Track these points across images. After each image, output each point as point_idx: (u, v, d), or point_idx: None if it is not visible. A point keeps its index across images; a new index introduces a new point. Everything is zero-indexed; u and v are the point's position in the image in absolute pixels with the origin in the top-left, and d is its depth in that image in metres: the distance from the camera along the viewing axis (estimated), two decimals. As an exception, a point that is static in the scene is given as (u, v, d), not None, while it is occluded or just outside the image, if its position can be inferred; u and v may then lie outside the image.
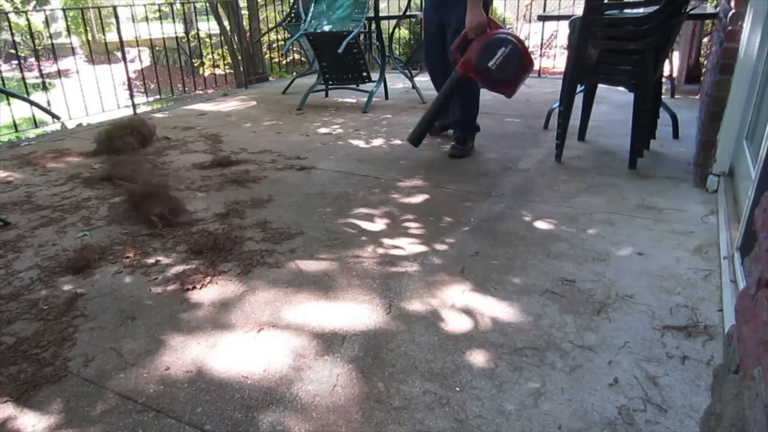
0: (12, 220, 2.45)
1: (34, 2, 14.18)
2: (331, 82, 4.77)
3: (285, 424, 1.28)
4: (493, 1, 3.46)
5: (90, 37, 11.43)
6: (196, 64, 8.74)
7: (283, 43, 7.15)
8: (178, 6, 6.35)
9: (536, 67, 6.67)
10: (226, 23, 8.44)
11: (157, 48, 9.07)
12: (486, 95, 5.04)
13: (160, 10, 6.26)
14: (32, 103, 3.27)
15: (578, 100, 3.26)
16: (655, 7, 2.67)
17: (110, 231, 2.33)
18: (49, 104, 4.18)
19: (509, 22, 8.66)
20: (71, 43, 7.06)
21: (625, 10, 3.53)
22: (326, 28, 4.45)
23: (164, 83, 5.92)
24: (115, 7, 5.28)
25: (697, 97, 4.48)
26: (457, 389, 1.37)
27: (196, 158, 3.37)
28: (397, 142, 3.60)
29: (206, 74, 9.45)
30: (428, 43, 3.42)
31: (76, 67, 5.01)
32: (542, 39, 7.73)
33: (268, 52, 8.85)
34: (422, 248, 2.11)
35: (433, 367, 1.45)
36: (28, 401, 1.37)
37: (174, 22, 6.78)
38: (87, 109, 4.50)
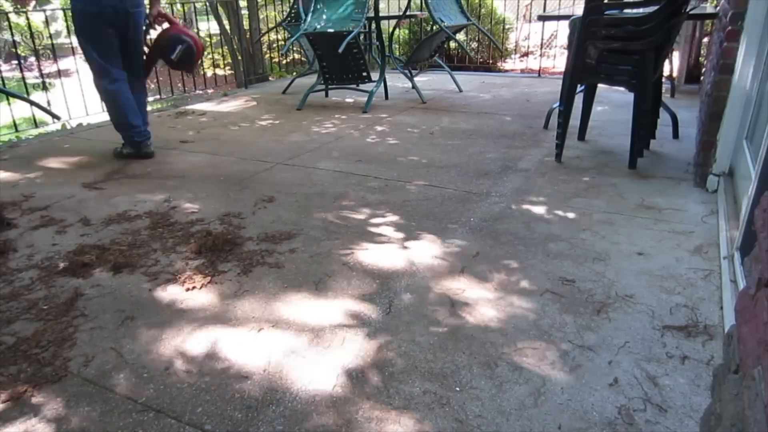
0: (12, 220, 2.45)
1: (34, 2, 14.17)
2: (331, 82, 4.77)
3: (285, 424, 1.28)
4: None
5: (90, 37, 11.38)
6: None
7: (283, 43, 7.15)
8: (178, 6, 6.35)
9: (536, 67, 6.68)
10: (226, 23, 8.44)
11: (157, 48, 9.04)
12: (486, 95, 5.06)
13: (160, 10, 6.24)
14: (32, 103, 3.27)
15: (578, 100, 3.27)
16: (655, 7, 2.67)
17: (110, 231, 2.33)
18: (49, 104, 4.18)
19: (509, 22, 8.65)
20: (71, 43, 7.05)
21: (625, 10, 3.53)
22: (326, 28, 4.45)
23: (164, 83, 5.91)
24: (115, 7, 5.27)
25: (697, 97, 4.48)
26: (457, 389, 1.37)
27: (195, 158, 3.37)
28: (397, 142, 3.60)
29: (206, 74, 9.44)
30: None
31: (76, 66, 5.01)
32: (542, 39, 7.73)
33: (268, 52, 8.85)
34: (422, 248, 2.11)
35: (433, 367, 1.45)
36: (28, 401, 1.37)
37: (174, 22, 6.76)
38: (87, 108, 4.50)
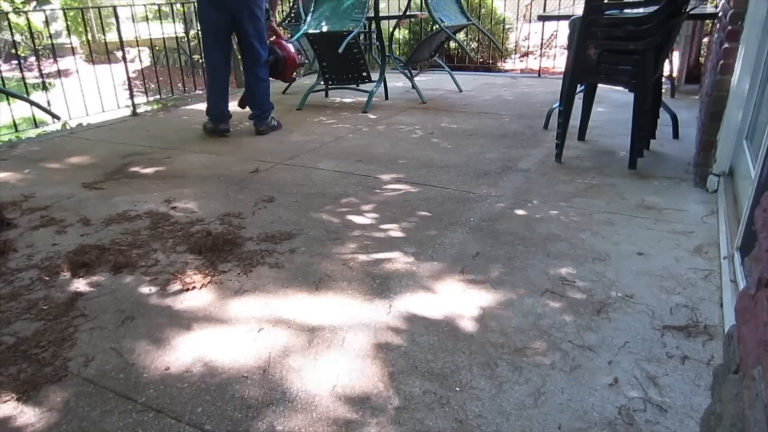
0: (12, 220, 2.45)
1: (34, 2, 14.17)
2: (331, 82, 4.77)
3: (285, 424, 1.28)
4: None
5: (90, 37, 11.42)
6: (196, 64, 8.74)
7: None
8: (178, 6, 6.35)
9: (536, 67, 6.68)
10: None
11: (157, 48, 9.06)
12: (486, 95, 5.06)
13: (160, 10, 6.26)
14: (32, 103, 3.27)
15: (578, 100, 3.26)
16: (655, 7, 2.67)
17: (110, 231, 2.33)
18: (49, 104, 4.18)
19: (509, 22, 8.65)
20: (71, 43, 7.07)
21: (625, 10, 3.53)
22: (326, 28, 4.45)
23: (164, 83, 5.91)
24: (115, 7, 5.28)
25: (697, 97, 4.48)
26: (457, 389, 1.37)
27: (195, 158, 3.37)
28: (397, 142, 3.60)
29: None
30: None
31: (76, 66, 5.01)
32: (542, 39, 7.73)
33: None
34: (422, 248, 2.11)
35: (433, 367, 1.45)
36: (29, 401, 1.37)
37: (174, 22, 6.77)
38: (87, 109, 4.50)
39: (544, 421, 1.26)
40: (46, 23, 8.76)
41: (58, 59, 5.68)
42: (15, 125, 4.23)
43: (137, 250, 2.15)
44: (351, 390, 1.38)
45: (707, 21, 4.92)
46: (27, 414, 1.33)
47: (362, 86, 4.70)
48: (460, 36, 6.81)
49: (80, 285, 1.91)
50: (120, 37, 4.89)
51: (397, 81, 5.69)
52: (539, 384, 1.38)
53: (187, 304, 1.78)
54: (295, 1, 5.27)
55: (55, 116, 4.05)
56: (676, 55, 4.97)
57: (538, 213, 2.39)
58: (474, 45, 8.18)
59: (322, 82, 4.81)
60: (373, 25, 4.96)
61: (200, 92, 5.35)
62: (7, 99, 4.22)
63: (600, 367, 1.43)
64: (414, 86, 5.00)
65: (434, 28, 5.51)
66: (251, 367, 1.47)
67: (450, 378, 1.41)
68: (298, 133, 3.92)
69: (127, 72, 4.94)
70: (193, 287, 1.87)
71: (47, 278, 1.95)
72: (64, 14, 8.32)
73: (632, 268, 1.91)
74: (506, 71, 7.65)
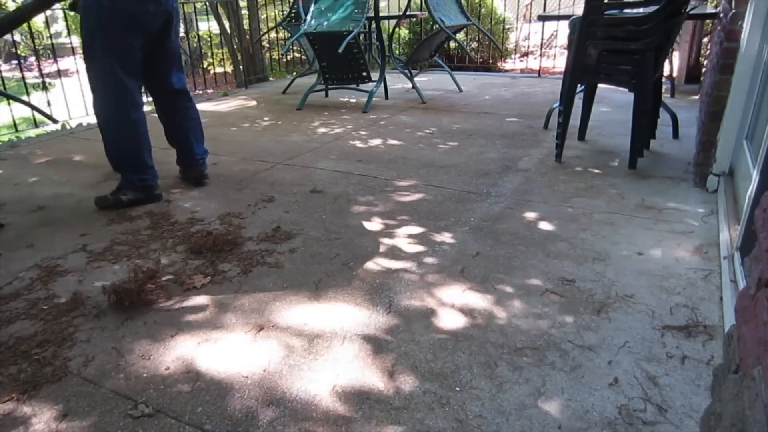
0: (11, 220, 2.45)
1: (34, 2, 14.17)
2: (331, 82, 4.77)
3: (285, 424, 1.28)
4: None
5: (90, 37, 11.39)
6: (195, 64, 8.74)
7: (283, 43, 7.16)
8: (178, 6, 6.34)
9: (536, 66, 6.68)
10: (226, 23, 8.45)
11: (157, 48, 9.04)
12: (486, 95, 5.06)
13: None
14: (30, 106, 3.27)
15: (578, 100, 3.26)
16: (655, 7, 2.67)
17: (110, 231, 2.33)
18: (49, 104, 4.18)
19: (509, 22, 8.65)
20: (71, 43, 7.05)
21: (625, 10, 3.53)
22: (326, 28, 4.45)
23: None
24: (115, 7, 5.27)
25: (697, 97, 4.48)
26: (457, 389, 1.37)
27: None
28: (397, 142, 3.60)
29: (206, 74, 9.44)
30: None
31: (76, 66, 5.01)
32: (542, 39, 7.73)
33: (268, 52, 8.86)
34: (422, 248, 2.11)
35: (433, 367, 1.45)
36: (29, 401, 1.37)
37: (174, 22, 6.77)
38: (87, 109, 4.49)
39: (544, 421, 1.26)
40: (47, 23, 8.76)
41: (58, 59, 5.68)
42: (15, 125, 4.24)
43: (137, 250, 2.15)
44: (351, 390, 1.38)
45: (707, 21, 4.92)
46: (27, 414, 1.33)
47: (362, 86, 4.70)
48: (460, 36, 6.81)
49: (80, 285, 1.91)
50: (120, 37, 4.87)
51: (397, 81, 5.69)
52: (539, 384, 1.38)
53: (187, 304, 1.78)
54: (295, 1, 5.27)
55: (52, 119, 4.05)
56: (676, 55, 4.97)
57: (537, 213, 2.39)
58: (474, 45, 8.19)
59: (322, 82, 4.81)
60: (373, 25, 4.96)
61: (200, 92, 5.35)
62: (7, 100, 4.22)
63: (600, 367, 1.43)
64: (414, 86, 5.00)
65: (434, 27, 5.50)
66: (251, 367, 1.47)
67: (450, 378, 1.41)
68: (298, 133, 3.92)
69: (127, 72, 4.93)
70: (193, 287, 1.87)
71: (47, 278, 1.95)
72: (65, 14, 8.31)
73: (632, 268, 1.91)
74: (506, 71, 7.65)
